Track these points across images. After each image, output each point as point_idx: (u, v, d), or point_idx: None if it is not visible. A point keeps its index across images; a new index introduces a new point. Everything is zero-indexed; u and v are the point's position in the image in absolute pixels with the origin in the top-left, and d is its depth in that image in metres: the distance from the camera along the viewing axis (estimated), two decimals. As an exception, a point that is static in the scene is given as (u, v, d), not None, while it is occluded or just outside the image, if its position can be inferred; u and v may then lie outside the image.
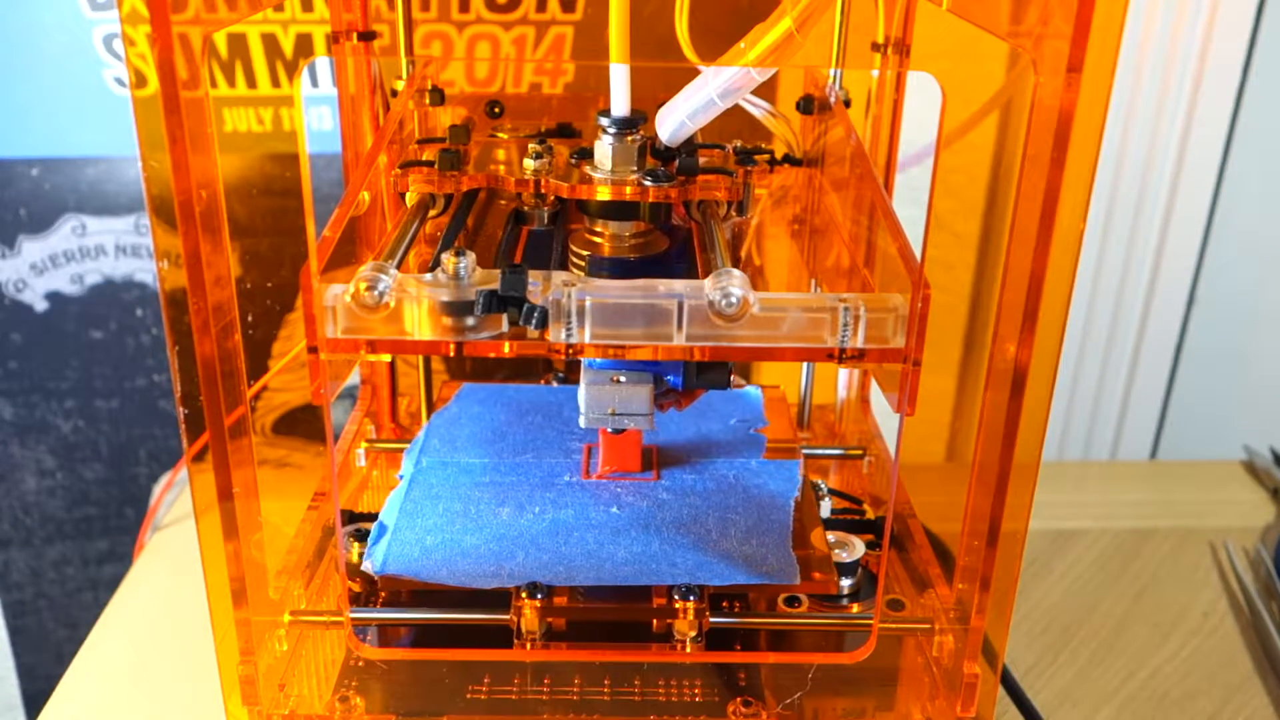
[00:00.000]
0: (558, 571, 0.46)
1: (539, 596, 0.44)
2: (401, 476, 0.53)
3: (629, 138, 0.45)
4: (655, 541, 0.48)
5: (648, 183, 0.44)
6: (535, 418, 0.58)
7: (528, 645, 0.45)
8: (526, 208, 0.48)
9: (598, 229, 0.47)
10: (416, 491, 0.51)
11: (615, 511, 0.50)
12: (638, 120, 0.45)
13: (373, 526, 0.49)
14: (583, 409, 0.48)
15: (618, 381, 0.47)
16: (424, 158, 0.48)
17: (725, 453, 0.55)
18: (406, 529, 0.48)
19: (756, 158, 0.49)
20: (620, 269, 0.46)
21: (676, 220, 0.48)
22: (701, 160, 0.46)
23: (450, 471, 0.53)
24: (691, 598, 0.44)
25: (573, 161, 0.47)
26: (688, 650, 0.45)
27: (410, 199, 0.47)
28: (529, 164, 0.46)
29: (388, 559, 0.46)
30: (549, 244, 0.46)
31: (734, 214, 0.48)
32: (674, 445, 0.55)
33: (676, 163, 0.45)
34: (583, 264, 0.46)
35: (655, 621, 0.46)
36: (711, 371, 0.46)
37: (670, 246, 0.47)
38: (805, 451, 0.62)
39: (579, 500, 0.50)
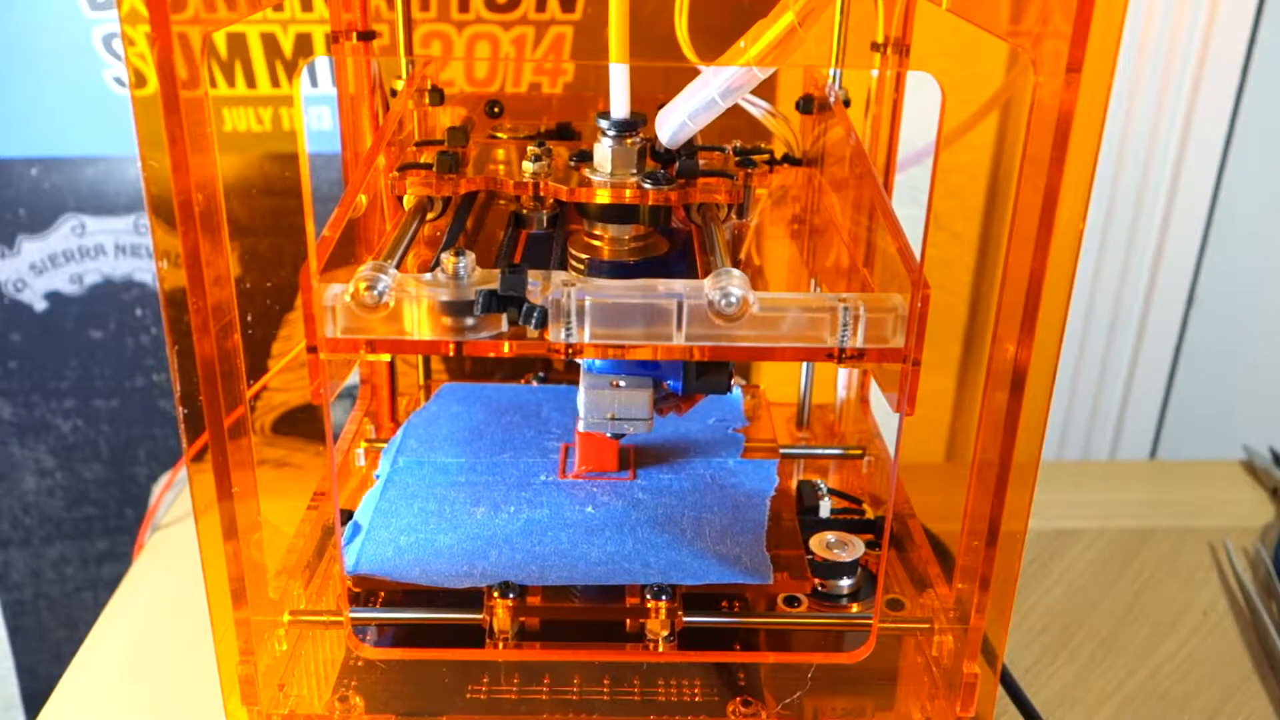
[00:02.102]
0: (530, 571, 0.46)
1: (511, 596, 0.44)
2: (378, 476, 0.53)
3: (628, 140, 0.45)
4: (629, 541, 0.47)
5: (647, 186, 0.44)
6: (513, 417, 0.58)
7: (500, 645, 0.45)
8: (525, 210, 0.47)
9: (597, 232, 0.46)
10: (392, 491, 0.51)
11: (590, 511, 0.50)
12: (637, 123, 0.45)
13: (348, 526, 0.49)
14: (582, 413, 0.48)
15: (617, 386, 0.47)
16: (422, 160, 0.48)
17: (703, 452, 0.55)
18: (381, 528, 0.48)
19: (756, 158, 0.49)
20: (620, 273, 0.46)
21: (676, 223, 0.48)
22: (701, 162, 0.46)
23: (426, 471, 0.53)
24: (664, 597, 0.44)
25: (572, 164, 0.47)
26: (660, 650, 0.45)
27: (408, 202, 0.47)
28: (528, 166, 0.46)
29: (360, 558, 0.46)
30: (548, 247, 0.46)
31: (734, 217, 0.47)
32: (651, 444, 0.55)
33: (676, 165, 0.45)
34: (582, 267, 0.46)
35: (629, 621, 0.45)
36: (711, 375, 0.46)
37: (670, 249, 0.47)
38: (804, 452, 0.62)
39: (554, 500, 0.50)
